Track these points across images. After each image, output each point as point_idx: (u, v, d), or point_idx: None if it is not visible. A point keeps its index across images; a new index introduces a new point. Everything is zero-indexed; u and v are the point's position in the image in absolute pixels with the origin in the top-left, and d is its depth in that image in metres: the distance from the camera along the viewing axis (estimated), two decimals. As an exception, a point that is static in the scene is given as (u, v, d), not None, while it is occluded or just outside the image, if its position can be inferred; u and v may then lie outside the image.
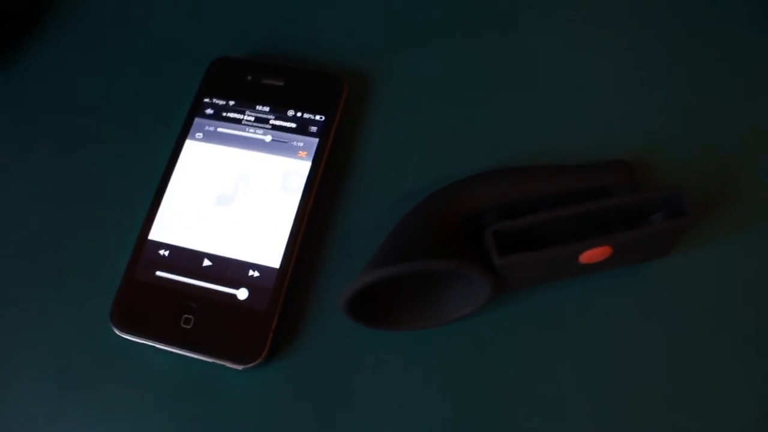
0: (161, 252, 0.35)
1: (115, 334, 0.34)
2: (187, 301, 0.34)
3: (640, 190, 0.34)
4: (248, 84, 0.39)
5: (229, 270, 0.34)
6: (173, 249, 0.35)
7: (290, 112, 0.37)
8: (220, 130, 0.38)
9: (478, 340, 0.33)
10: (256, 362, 0.32)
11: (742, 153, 0.36)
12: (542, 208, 0.30)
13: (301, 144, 0.37)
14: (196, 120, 0.38)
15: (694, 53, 0.39)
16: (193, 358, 0.33)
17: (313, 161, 0.36)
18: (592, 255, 0.30)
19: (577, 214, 0.30)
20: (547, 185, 0.33)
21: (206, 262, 0.34)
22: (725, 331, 0.32)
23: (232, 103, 0.38)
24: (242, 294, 0.34)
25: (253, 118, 0.38)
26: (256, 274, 0.34)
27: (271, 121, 0.37)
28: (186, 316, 0.33)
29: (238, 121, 0.38)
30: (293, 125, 0.37)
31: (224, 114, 0.38)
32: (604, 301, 0.33)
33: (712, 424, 0.31)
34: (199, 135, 0.37)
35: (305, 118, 0.37)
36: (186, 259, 0.35)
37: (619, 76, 0.38)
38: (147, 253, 0.35)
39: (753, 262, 0.34)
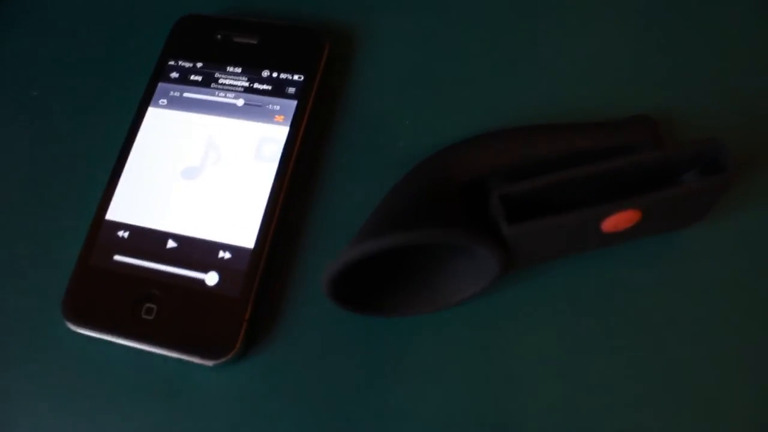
0: (120, 233, 0.31)
1: (68, 327, 0.29)
2: (149, 288, 0.29)
3: (666, 146, 0.30)
4: (218, 43, 0.34)
5: (197, 252, 0.30)
6: (133, 230, 0.31)
7: (265, 73, 0.33)
8: (186, 95, 0.33)
9: (483, 326, 0.29)
10: (228, 357, 0.28)
11: None
12: (556, 171, 0.26)
13: (278, 107, 0.32)
14: (160, 85, 0.33)
15: None
16: (156, 353, 0.29)
17: (291, 126, 0.32)
18: (617, 221, 0.25)
19: (599, 174, 0.25)
20: (559, 144, 0.29)
21: (171, 244, 0.30)
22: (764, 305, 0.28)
23: (199, 65, 0.34)
24: (211, 279, 0.29)
25: (223, 81, 0.33)
26: (228, 255, 0.30)
27: (244, 83, 0.33)
28: (148, 305, 0.29)
29: (206, 84, 0.33)
30: (268, 87, 0.33)
31: (191, 77, 0.33)
32: (630, 276, 0.29)
33: (752, 408, 0.26)
34: (163, 101, 0.33)
35: (282, 79, 0.33)
36: (148, 240, 0.30)
37: (635, 22, 0.34)
38: (104, 235, 0.31)
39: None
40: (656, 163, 0.26)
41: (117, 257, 0.30)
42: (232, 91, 0.33)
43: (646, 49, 0.33)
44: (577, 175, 0.25)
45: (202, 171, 0.31)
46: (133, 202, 0.31)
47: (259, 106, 0.32)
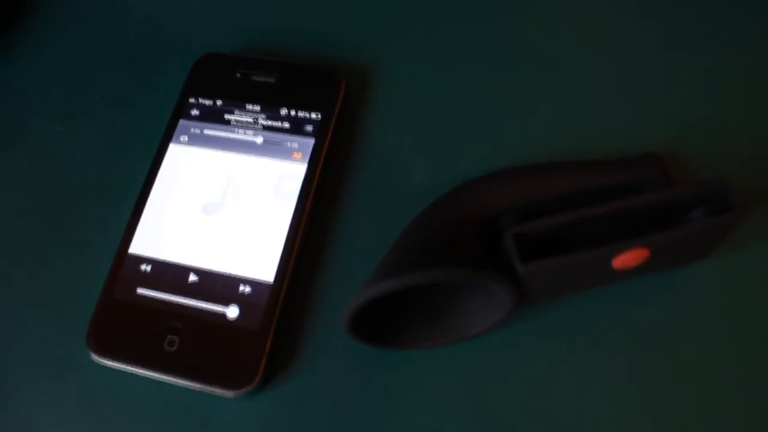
0: (142, 267, 0.32)
1: (92, 358, 0.30)
2: (171, 321, 0.30)
3: (674, 185, 0.31)
4: (237, 82, 0.35)
5: (218, 286, 0.31)
6: (156, 263, 0.32)
7: (283, 111, 0.34)
8: (206, 132, 0.34)
9: (498, 359, 0.30)
10: (249, 388, 0.29)
11: None
12: (566, 209, 0.27)
13: (296, 145, 0.33)
14: (181, 122, 0.35)
15: (722, 30, 0.35)
16: (179, 384, 0.30)
17: (309, 163, 0.33)
18: (626, 259, 0.26)
19: (608, 213, 0.26)
20: (570, 182, 0.30)
21: (192, 278, 0.31)
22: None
23: (219, 102, 0.35)
24: (232, 312, 0.30)
25: (242, 119, 0.34)
26: (248, 289, 0.30)
27: (263, 121, 0.34)
28: (170, 337, 0.30)
29: (226, 122, 0.34)
30: (287, 125, 0.34)
31: (211, 115, 0.35)
32: (639, 310, 0.30)
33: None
34: (184, 138, 0.34)
35: (300, 117, 0.34)
36: (170, 274, 0.31)
37: (642, 63, 0.35)
38: (127, 268, 0.32)
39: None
40: (665, 202, 0.27)
41: (140, 290, 0.31)
42: (251, 128, 0.34)
43: (653, 87, 0.35)
44: (588, 215, 0.26)
45: (223, 206, 0.32)
46: (156, 237, 0.32)
47: (278, 143, 0.33)
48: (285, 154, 0.33)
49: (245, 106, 0.34)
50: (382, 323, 0.29)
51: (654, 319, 0.30)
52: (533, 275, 0.26)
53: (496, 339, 0.30)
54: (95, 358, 0.30)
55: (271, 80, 0.35)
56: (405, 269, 0.26)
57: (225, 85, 0.35)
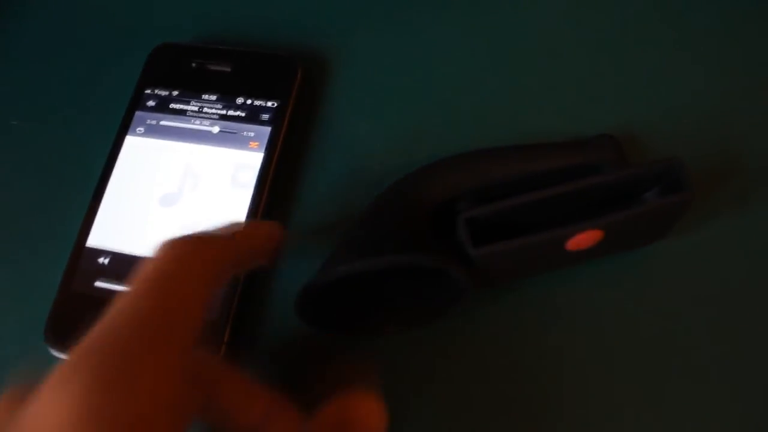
0: (100, 260, 0.31)
1: (51, 352, 0.30)
2: (130, 313, 0.30)
3: (628, 165, 0.31)
4: (193, 71, 0.35)
5: (176, 276, 0.31)
6: (114, 256, 0.31)
7: (239, 100, 0.34)
8: (163, 123, 0.34)
9: (456, 343, 0.30)
10: (208, 378, 0.29)
11: (736, 122, 0.33)
12: (522, 192, 0.27)
13: (252, 134, 0.33)
14: (137, 113, 0.34)
15: (682, 11, 0.36)
16: (138, 376, 0.29)
17: (266, 152, 0.33)
18: (580, 241, 0.26)
19: (561, 195, 0.27)
20: (525, 165, 0.30)
21: (150, 269, 0.31)
22: (731, 320, 0.29)
23: (175, 93, 0.35)
24: (191, 303, 0.30)
25: (199, 108, 0.34)
26: (206, 279, 0.30)
27: (219, 111, 0.34)
28: (129, 330, 0.30)
29: (182, 113, 0.34)
30: (243, 114, 0.34)
31: (168, 105, 0.34)
32: (597, 293, 0.30)
33: (723, 425, 0.28)
34: (141, 129, 0.34)
35: (256, 106, 0.34)
36: (128, 266, 0.31)
37: (599, 47, 0.35)
38: (85, 261, 0.31)
39: (759, 241, 0.30)
40: (617, 182, 0.27)
41: (98, 283, 0.31)
42: (207, 118, 0.34)
43: (608, 69, 0.35)
44: (539, 198, 0.27)
45: (180, 197, 0.32)
46: (114, 229, 0.32)
47: (234, 133, 0.33)
48: (242, 143, 0.33)
49: (201, 96, 0.34)
50: (338, 310, 0.29)
51: (610, 301, 0.30)
52: (487, 259, 0.26)
53: (455, 325, 0.30)
54: (54, 352, 0.30)
55: (228, 69, 0.35)
56: (359, 255, 0.26)
57: (181, 75, 0.35)
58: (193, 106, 0.34)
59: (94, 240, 0.32)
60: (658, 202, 0.27)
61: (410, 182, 0.30)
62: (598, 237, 0.27)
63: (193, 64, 0.35)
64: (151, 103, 0.34)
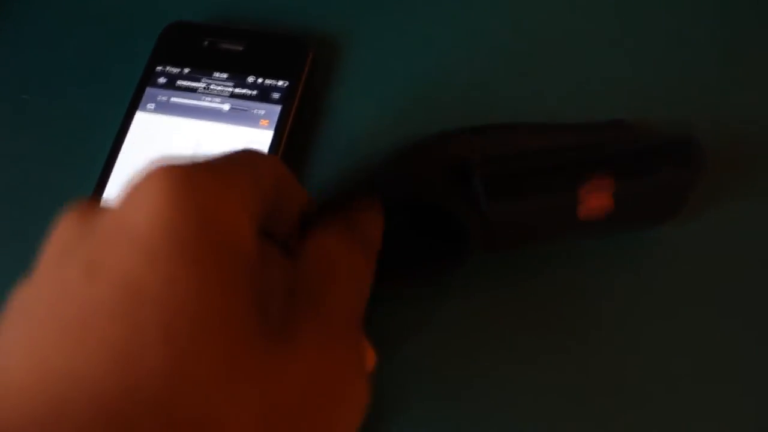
0: (109, 233, 0.31)
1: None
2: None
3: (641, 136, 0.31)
4: (205, 50, 0.35)
5: (184, 251, 0.31)
6: (122, 230, 0.31)
7: (250, 79, 0.34)
8: (174, 99, 0.34)
9: (446, 308, 0.30)
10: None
11: (753, 110, 0.33)
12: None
13: (263, 112, 0.33)
14: (148, 90, 0.34)
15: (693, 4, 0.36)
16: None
17: (276, 130, 0.33)
18: (591, 207, 0.27)
19: (574, 159, 0.27)
20: (541, 141, 0.30)
21: (158, 244, 0.31)
22: (742, 308, 0.29)
23: (187, 70, 0.35)
24: (198, 277, 0.30)
25: (210, 86, 0.34)
26: (214, 255, 0.30)
27: (230, 89, 0.34)
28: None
29: (193, 90, 0.34)
30: (254, 92, 0.34)
31: (178, 82, 0.34)
32: (602, 273, 0.30)
33: (730, 417, 0.28)
34: (151, 106, 0.34)
35: (267, 85, 0.34)
36: (136, 240, 0.31)
37: (611, 36, 0.35)
38: (93, 235, 0.31)
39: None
40: (633, 150, 0.27)
41: (106, 256, 0.31)
42: (218, 96, 0.34)
43: (625, 60, 0.35)
44: (556, 160, 0.27)
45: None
46: (122, 203, 0.32)
47: (245, 110, 0.33)
48: (252, 121, 0.33)
49: (213, 74, 0.34)
50: None
51: (614, 282, 0.30)
52: (500, 214, 0.26)
53: (457, 286, 0.30)
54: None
55: (239, 48, 0.35)
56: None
57: (193, 53, 0.35)
58: (204, 84, 0.34)
59: (102, 214, 0.32)
60: (669, 172, 0.27)
61: (427, 141, 0.30)
62: (609, 206, 0.27)
63: (205, 43, 0.35)
64: (162, 80, 0.35)
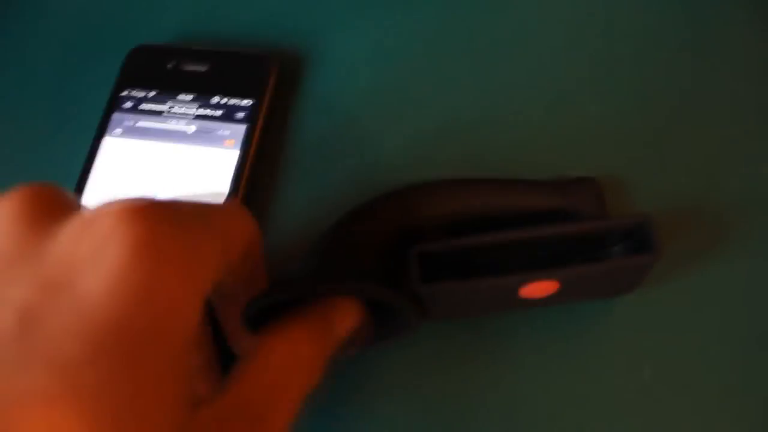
0: (80, 260, 0.32)
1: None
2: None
3: (608, 214, 0.30)
4: (169, 72, 0.36)
5: (155, 275, 0.31)
6: (93, 256, 0.32)
7: (215, 99, 0.34)
8: (140, 124, 0.34)
9: (401, 371, 0.30)
10: (188, 373, 0.29)
11: (724, 174, 0.32)
12: (495, 228, 0.26)
13: (228, 132, 0.34)
14: (115, 115, 0.35)
15: (676, 60, 0.35)
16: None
17: (242, 150, 0.33)
18: (534, 290, 0.26)
19: (521, 241, 0.26)
20: (500, 202, 0.29)
21: (129, 268, 0.31)
22: (695, 381, 0.28)
23: (152, 94, 0.35)
24: (169, 300, 0.30)
25: (175, 109, 0.34)
26: (184, 277, 0.31)
27: (195, 111, 0.34)
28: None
29: (159, 113, 0.34)
30: (219, 113, 0.34)
31: (144, 106, 0.35)
32: (551, 339, 0.29)
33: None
34: (118, 131, 0.34)
35: (231, 104, 0.34)
36: (107, 266, 0.31)
37: (593, 78, 0.35)
38: (65, 262, 0.32)
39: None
40: (583, 233, 0.26)
41: (78, 283, 0.31)
42: (184, 118, 0.34)
43: (612, 110, 0.34)
44: (496, 241, 0.26)
45: (158, 197, 0.33)
46: (92, 230, 0.32)
47: (210, 132, 0.34)
48: (217, 141, 0.33)
49: (177, 97, 0.35)
50: None
51: (565, 350, 0.29)
52: (435, 296, 0.26)
53: (407, 352, 0.30)
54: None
55: (203, 69, 0.35)
56: (308, 275, 0.26)
57: (158, 76, 0.35)
58: (169, 107, 0.34)
59: (73, 241, 0.32)
60: (619, 259, 0.26)
61: (381, 205, 0.30)
62: (554, 288, 0.26)
63: (169, 65, 0.36)
64: (128, 104, 0.35)
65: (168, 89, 0.35)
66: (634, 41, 0.35)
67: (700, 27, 0.35)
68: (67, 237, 0.18)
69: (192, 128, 0.34)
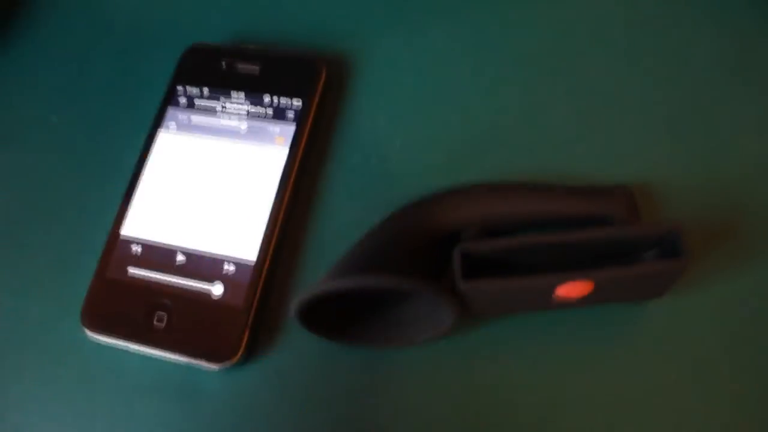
0: (134, 248, 0.33)
1: (86, 334, 0.32)
2: (161, 298, 0.32)
3: (640, 221, 0.31)
4: (223, 71, 0.37)
5: (204, 265, 0.32)
6: (146, 245, 0.33)
7: (266, 99, 0.36)
8: (194, 119, 0.36)
9: (441, 366, 0.31)
10: (233, 361, 0.30)
11: (755, 184, 0.33)
12: (530, 231, 0.28)
13: (278, 130, 0.35)
14: (169, 110, 0.36)
15: (714, 62, 0.36)
16: (167, 358, 0.31)
17: (291, 148, 0.34)
18: (569, 290, 0.27)
19: (558, 244, 0.27)
20: (536, 208, 0.30)
21: (180, 258, 0.33)
22: (723, 386, 0.29)
23: (206, 91, 0.36)
24: (217, 290, 0.32)
25: (227, 106, 0.36)
26: (232, 268, 0.32)
27: (247, 109, 0.36)
28: (159, 314, 0.32)
29: (212, 110, 0.36)
30: (269, 111, 0.35)
31: (198, 103, 0.36)
32: (584, 340, 0.30)
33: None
34: (173, 126, 0.36)
35: (282, 104, 0.35)
36: (159, 255, 0.33)
37: (630, 89, 0.35)
38: (119, 249, 0.33)
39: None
40: (614, 240, 0.27)
41: (131, 270, 0.33)
42: (236, 115, 0.35)
43: (647, 121, 0.35)
44: (536, 242, 0.27)
45: (209, 190, 0.34)
46: (146, 220, 0.34)
47: (261, 130, 0.35)
48: (268, 139, 0.35)
49: (230, 95, 0.36)
50: (340, 318, 0.30)
51: (595, 350, 0.30)
52: (474, 293, 0.27)
53: (444, 347, 0.31)
54: (89, 334, 0.32)
55: (255, 69, 0.37)
56: (354, 271, 0.27)
57: (211, 74, 0.37)
58: (222, 104, 0.36)
59: (128, 230, 0.34)
60: (651, 265, 0.27)
61: (422, 207, 0.31)
62: (588, 289, 0.27)
63: (223, 64, 0.37)
64: (182, 100, 0.36)
65: (221, 87, 0.36)
66: (672, 56, 0.36)
67: (732, 43, 0.36)
68: None
69: (244, 125, 0.35)
